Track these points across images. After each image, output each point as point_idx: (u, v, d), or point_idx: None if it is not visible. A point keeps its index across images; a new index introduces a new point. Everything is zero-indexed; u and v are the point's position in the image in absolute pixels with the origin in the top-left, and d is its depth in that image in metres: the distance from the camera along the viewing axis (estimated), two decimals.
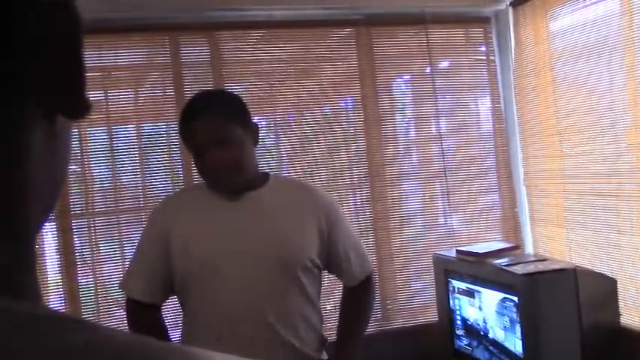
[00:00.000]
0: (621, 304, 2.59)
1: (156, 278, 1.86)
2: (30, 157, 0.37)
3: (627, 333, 2.56)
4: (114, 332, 0.33)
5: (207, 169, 1.75)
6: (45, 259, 2.77)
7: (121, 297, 2.78)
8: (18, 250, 0.36)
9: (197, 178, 2.83)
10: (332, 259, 1.89)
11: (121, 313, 2.79)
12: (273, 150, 3.02)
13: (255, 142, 1.83)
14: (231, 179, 1.76)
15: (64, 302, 2.75)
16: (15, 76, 0.36)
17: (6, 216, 0.36)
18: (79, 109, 0.39)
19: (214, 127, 1.72)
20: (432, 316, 3.04)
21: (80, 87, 0.39)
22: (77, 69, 0.39)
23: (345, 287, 2.01)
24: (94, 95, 2.82)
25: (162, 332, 1.91)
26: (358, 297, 1.98)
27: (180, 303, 1.92)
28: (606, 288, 2.58)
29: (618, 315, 2.59)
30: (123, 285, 1.95)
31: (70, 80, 0.38)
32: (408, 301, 3.17)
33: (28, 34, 0.36)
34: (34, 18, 0.36)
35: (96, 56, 2.81)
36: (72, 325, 0.33)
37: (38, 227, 0.40)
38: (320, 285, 1.93)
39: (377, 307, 3.04)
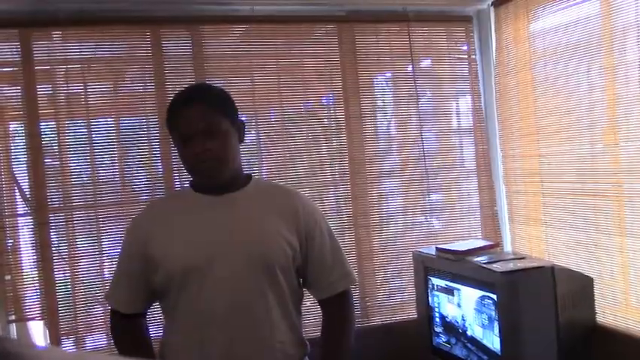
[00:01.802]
0: (597, 302, 2.62)
1: (137, 288, 1.85)
2: None
3: (603, 331, 2.59)
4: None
5: (192, 157, 1.73)
6: (21, 254, 2.73)
7: (98, 292, 2.76)
8: None
9: (176, 173, 2.82)
10: (304, 265, 1.87)
11: (98, 309, 2.77)
12: (253, 146, 3.00)
13: (241, 138, 1.83)
14: (216, 170, 1.75)
15: (41, 298, 2.71)
16: None
17: None
18: None
19: (203, 116, 1.72)
20: (411, 314, 3.06)
21: None
22: None
23: (320, 302, 1.96)
24: (73, 87, 2.78)
25: (142, 341, 1.90)
26: (334, 318, 1.92)
27: (161, 307, 1.90)
28: (583, 286, 2.61)
29: (594, 313, 2.62)
30: (107, 296, 1.97)
31: None
32: (388, 298, 3.18)
33: None
34: None
35: (76, 48, 2.77)
36: None
37: None
38: (300, 288, 1.91)
39: (356, 304, 3.05)
